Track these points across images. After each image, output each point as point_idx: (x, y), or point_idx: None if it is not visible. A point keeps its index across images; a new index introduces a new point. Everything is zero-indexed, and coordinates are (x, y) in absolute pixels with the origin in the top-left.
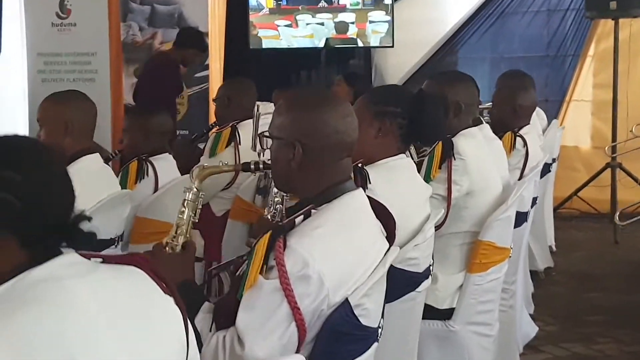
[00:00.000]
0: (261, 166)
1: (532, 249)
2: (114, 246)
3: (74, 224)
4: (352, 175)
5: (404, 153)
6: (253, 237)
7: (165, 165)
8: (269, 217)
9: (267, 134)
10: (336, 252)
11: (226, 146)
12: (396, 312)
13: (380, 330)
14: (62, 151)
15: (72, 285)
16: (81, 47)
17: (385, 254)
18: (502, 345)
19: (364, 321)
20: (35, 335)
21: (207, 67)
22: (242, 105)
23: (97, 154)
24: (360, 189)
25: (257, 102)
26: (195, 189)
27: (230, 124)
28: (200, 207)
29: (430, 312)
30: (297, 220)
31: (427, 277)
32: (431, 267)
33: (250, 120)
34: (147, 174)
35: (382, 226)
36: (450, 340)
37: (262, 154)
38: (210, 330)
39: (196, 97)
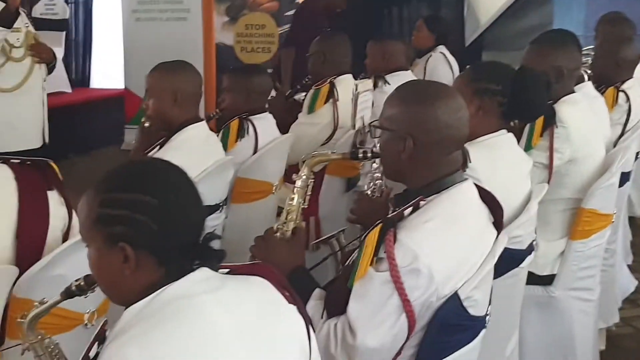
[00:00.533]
0: (369, 155)
1: (630, 196)
2: (218, 211)
3: (205, 242)
4: None
5: (505, 129)
6: (353, 212)
7: (265, 124)
8: (369, 193)
9: (376, 123)
10: (446, 246)
11: (325, 102)
12: (499, 288)
13: (488, 317)
14: (171, 120)
15: (204, 301)
16: None
17: (494, 244)
18: (602, 303)
19: (472, 312)
20: (172, 351)
21: (296, 6)
22: (337, 60)
23: (204, 122)
24: (469, 180)
25: (356, 82)
26: (304, 176)
27: (328, 80)
28: (310, 193)
29: (530, 278)
30: (406, 212)
31: (530, 253)
32: (534, 242)
33: (348, 75)
34: (248, 133)
35: (489, 213)
36: (551, 306)
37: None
38: (322, 318)
39: (286, 35)
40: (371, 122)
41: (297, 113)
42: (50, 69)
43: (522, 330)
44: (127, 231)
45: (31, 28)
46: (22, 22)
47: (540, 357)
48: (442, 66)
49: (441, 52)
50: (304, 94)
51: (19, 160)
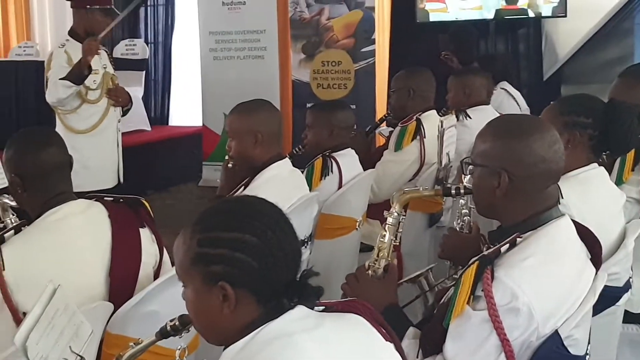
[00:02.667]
0: (462, 191)
1: None
2: (304, 247)
3: (303, 279)
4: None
5: (596, 162)
6: (443, 248)
7: (348, 160)
8: (457, 229)
9: (468, 160)
10: (545, 284)
11: (412, 140)
12: (596, 326)
13: (588, 357)
14: (254, 160)
15: (302, 341)
16: (250, 25)
17: (593, 281)
18: None
19: (573, 351)
20: None
21: (373, 42)
22: (424, 96)
23: (287, 159)
24: (567, 216)
25: (441, 118)
26: (395, 213)
27: (415, 117)
28: (401, 230)
29: (625, 316)
30: (503, 249)
31: (627, 290)
32: (631, 279)
33: (432, 112)
34: (332, 171)
35: (587, 250)
36: None
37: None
38: (417, 357)
39: (363, 71)
40: (463, 159)
41: (382, 149)
42: (125, 112)
43: None
44: (226, 270)
45: (110, 69)
46: (100, 63)
47: None
48: (507, 101)
49: (502, 88)
50: (384, 129)
51: (112, 198)
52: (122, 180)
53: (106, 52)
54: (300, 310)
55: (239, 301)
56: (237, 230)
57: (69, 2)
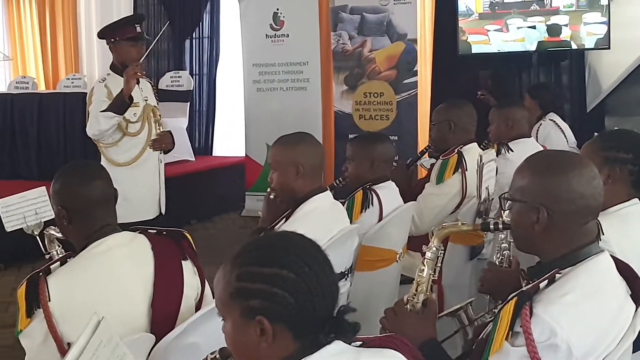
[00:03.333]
0: (501, 226)
1: None
2: (344, 279)
3: (340, 315)
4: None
5: (637, 198)
6: (482, 282)
7: (388, 193)
8: (497, 263)
9: (507, 195)
10: (585, 320)
11: (453, 173)
12: None
13: None
14: (295, 192)
15: None
16: (294, 57)
17: (633, 317)
18: None
19: None
20: None
21: (415, 73)
22: (465, 129)
23: (328, 191)
24: (606, 252)
25: (480, 152)
26: (434, 248)
27: (456, 150)
28: (440, 265)
29: None
30: (542, 285)
31: None
32: None
33: (473, 144)
34: (372, 204)
35: (627, 286)
36: None
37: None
38: None
39: (405, 103)
40: (502, 195)
41: (423, 181)
42: (166, 152)
43: None
44: (264, 305)
45: (151, 100)
46: (141, 96)
47: None
48: (554, 133)
49: (551, 120)
50: (425, 161)
51: (155, 231)
52: (163, 211)
53: (150, 83)
54: (337, 346)
55: (276, 336)
56: (275, 266)
57: None
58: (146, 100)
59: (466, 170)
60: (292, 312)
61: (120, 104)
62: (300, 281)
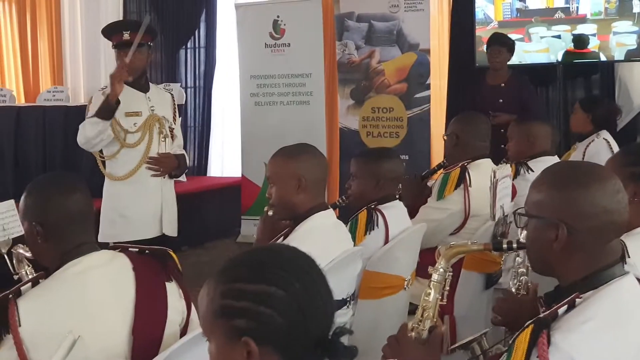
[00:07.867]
0: (514, 245)
1: None
2: (346, 307)
3: (335, 337)
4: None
5: None
6: (497, 313)
7: (395, 213)
8: (514, 290)
9: (522, 211)
10: (607, 350)
11: (455, 188)
12: None
13: None
14: (296, 207)
15: None
16: (295, 68)
17: None
18: None
19: None
20: None
21: (428, 87)
22: (471, 143)
23: (331, 209)
24: (631, 274)
25: (494, 168)
26: (441, 269)
27: (460, 165)
28: (448, 288)
29: None
30: (560, 310)
31: None
32: None
33: (485, 160)
34: (377, 225)
35: None
36: None
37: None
38: None
39: (417, 119)
40: (515, 210)
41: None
42: (173, 176)
43: None
44: (250, 325)
45: (160, 111)
46: (147, 105)
47: None
48: (604, 153)
49: (604, 139)
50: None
51: (137, 249)
52: (167, 231)
53: (170, 93)
54: None
55: (263, 358)
56: (263, 282)
57: (103, 46)
58: (152, 110)
59: (469, 186)
60: (280, 333)
61: (105, 108)
62: (290, 299)
